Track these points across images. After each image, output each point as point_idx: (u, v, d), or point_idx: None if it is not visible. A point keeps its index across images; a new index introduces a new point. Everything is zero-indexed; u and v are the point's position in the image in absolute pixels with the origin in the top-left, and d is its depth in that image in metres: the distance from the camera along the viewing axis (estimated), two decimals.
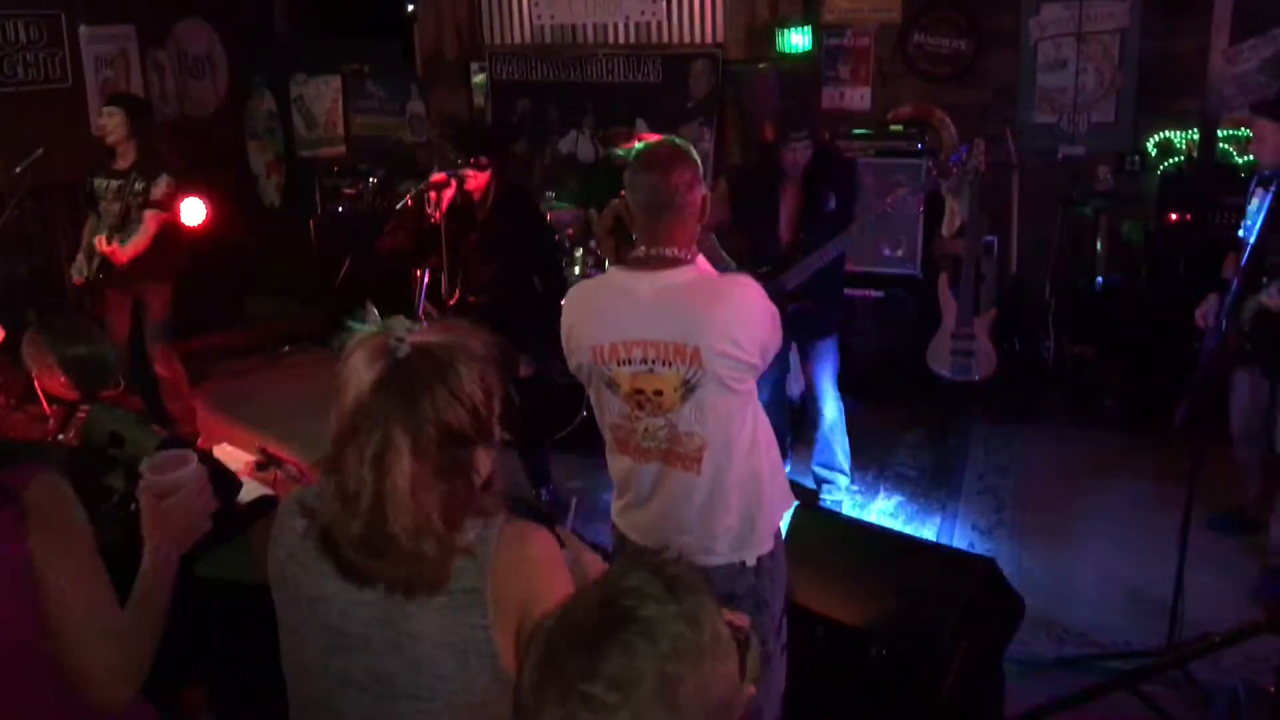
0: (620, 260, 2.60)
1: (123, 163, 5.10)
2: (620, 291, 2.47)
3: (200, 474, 1.75)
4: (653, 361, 2.39)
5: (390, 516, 1.41)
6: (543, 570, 1.50)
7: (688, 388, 2.39)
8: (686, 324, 2.37)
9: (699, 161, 2.48)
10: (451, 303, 4.47)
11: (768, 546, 2.56)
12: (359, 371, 1.44)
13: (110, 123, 5.06)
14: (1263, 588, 3.95)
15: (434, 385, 1.43)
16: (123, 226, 5.03)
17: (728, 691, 1.03)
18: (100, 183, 5.15)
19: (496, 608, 1.44)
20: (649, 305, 2.39)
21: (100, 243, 5.00)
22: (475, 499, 1.48)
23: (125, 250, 4.98)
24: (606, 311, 2.48)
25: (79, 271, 5.20)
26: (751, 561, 2.51)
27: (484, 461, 1.50)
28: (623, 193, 2.53)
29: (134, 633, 1.67)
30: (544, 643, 1.03)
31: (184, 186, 5.10)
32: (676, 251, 2.42)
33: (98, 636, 1.62)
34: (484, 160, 4.21)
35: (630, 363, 2.42)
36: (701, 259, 2.49)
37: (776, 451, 2.64)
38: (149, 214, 5.03)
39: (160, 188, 5.03)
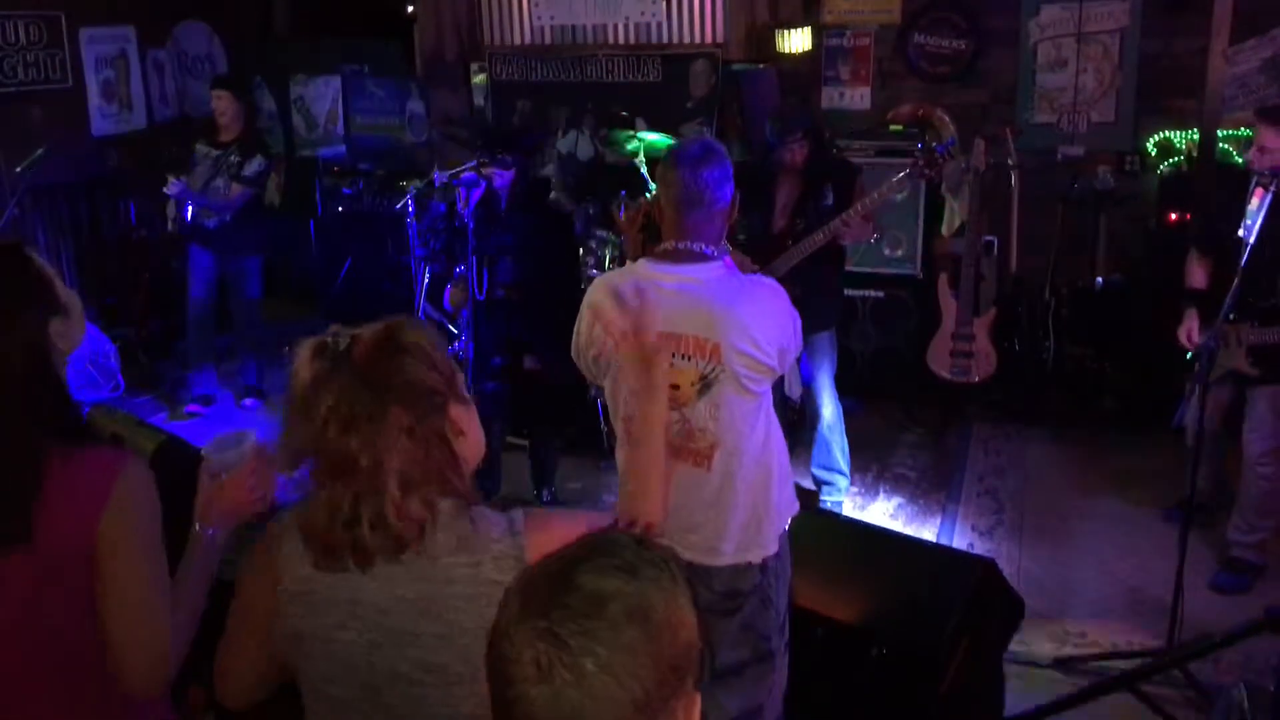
0: (647, 254, 2.63)
1: (226, 136, 5.60)
2: (646, 282, 2.47)
3: (256, 452, 1.75)
4: (672, 354, 2.40)
5: (379, 491, 1.44)
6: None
7: (704, 383, 2.42)
8: (709, 319, 2.39)
9: (729, 162, 2.50)
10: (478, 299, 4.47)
11: (773, 549, 2.58)
12: (304, 367, 1.49)
13: (219, 104, 5.58)
14: (1220, 580, 4.01)
15: (394, 354, 1.48)
16: (204, 190, 5.51)
17: (692, 641, 1.07)
18: (202, 149, 5.63)
19: None
20: (673, 298, 2.40)
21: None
22: (457, 461, 1.51)
23: (207, 211, 5.50)
24: None
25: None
26: (757, 560, 2.54)
27: (463, 419, 1.54)
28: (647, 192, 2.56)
29: (189, 618, 1.70)
30: (524, 578, 1.09)
31: (277, 169, 5.84)
32: (704, 247, 2.44)
33: (146, 626, 1.64)
34: (509, 159, 4.24)
35: None
36: (728, 257, 2.52)
37: (787, 457, 2.66)
38: (236, 187, 5.53)
39: (253, 165, 5.54)
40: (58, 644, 1.66)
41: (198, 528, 1.75)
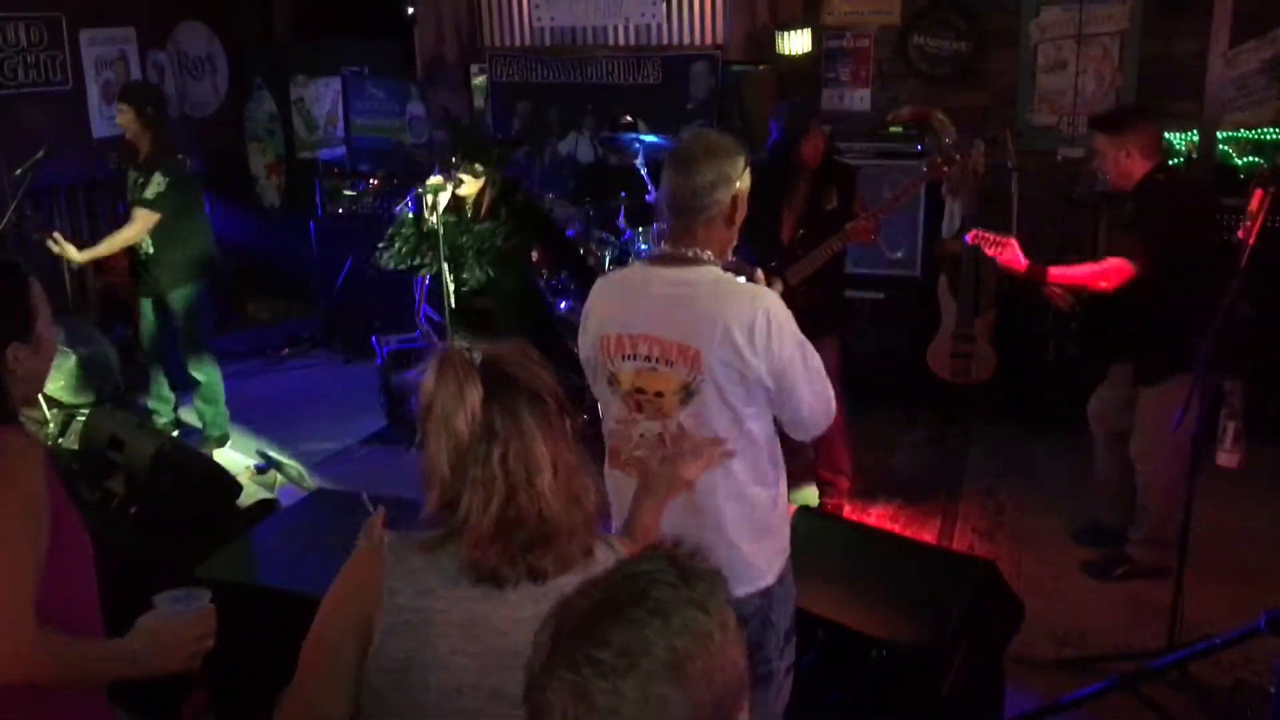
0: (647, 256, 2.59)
1: (139, 157, 5.08)
2: (637, 284, 2.42)
3: (205, 616, 1.75)
4: (656, 359, 2.32)
5: (548, 502, 1.49)
6: None
7: (687, 393, 2.30)
8: (691, 325, 2.28)
9: (738, 158, 2.35)
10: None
11: (770, 579, 2.45)
12: (460, 390, 1.48)
13: (122, 119, 5.02)
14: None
15: (528, 365, 1.53)
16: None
17: (734, 678, 1.05)
18: (130, 175, 5.15)
19: None
20: (660, 301, 2.32)
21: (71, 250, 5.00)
22: (588, 464, 1.57)
23: (84, 255, 5.03)
24: (620, 303, 2.42)
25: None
26: (760, 588, 2.42)
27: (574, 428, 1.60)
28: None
29: (62, 654, 1.64)
30: (557, 617, 1.07)
31: (183, 183, 5.01)
32: (699, 251, 2.33)
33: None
34: (479, 168, 4.22)
35: (634, 358, 2.35)
36: (724, 265, 2.39)
37: (783, 478, 2.52)
38: (138, 211, 4.96)
39: (153, 186, 4.93)
40: None
41: (129, 643, 1.71)
